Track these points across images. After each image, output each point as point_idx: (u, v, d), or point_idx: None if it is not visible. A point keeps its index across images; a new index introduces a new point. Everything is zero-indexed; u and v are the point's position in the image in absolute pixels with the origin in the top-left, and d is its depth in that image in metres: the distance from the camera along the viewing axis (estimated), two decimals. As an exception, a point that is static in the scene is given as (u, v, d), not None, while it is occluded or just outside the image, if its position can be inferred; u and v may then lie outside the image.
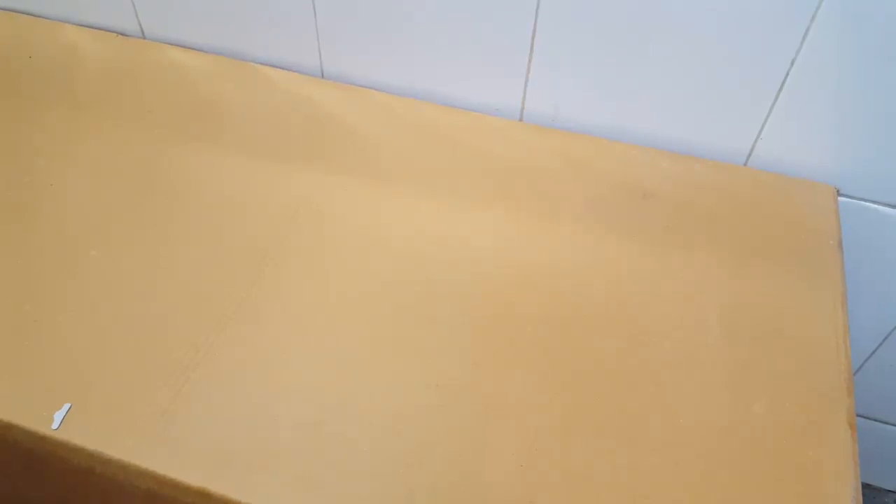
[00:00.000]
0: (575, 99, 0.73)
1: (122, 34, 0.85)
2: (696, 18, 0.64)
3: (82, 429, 0.51)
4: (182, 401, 0.52)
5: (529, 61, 0.72)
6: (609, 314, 0.59)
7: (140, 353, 0.55)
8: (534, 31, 0.69)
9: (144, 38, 0.85)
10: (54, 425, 0.51)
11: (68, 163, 0.70)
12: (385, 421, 0.52)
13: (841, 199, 0.71)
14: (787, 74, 0.65)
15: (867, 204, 0.71)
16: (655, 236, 0.65)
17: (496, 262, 0.62)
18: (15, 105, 0.76)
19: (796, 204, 0.68)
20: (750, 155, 0.72)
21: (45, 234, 0.63)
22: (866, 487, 1.04)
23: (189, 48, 0.83)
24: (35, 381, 0.53)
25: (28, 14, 0.87)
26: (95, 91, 0.77)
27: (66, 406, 0.52)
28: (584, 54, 0.69)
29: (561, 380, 0.55)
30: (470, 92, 0.76)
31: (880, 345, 0.83)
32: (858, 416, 0.93)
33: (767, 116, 0.68)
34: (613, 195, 0.68)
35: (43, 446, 0.51)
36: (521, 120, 0.77)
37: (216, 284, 0.60)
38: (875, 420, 0.93)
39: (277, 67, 0.81)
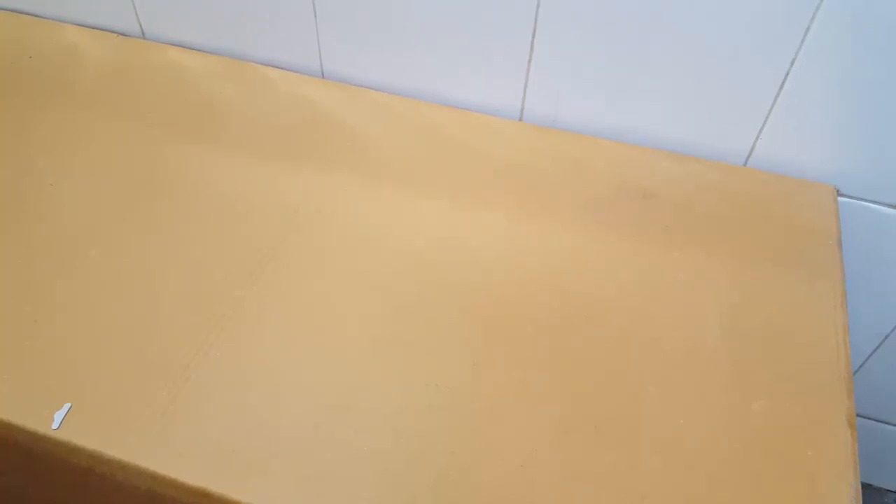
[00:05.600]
0: (575, 99, 0.73)
1: (122, 34, 0.85)
2: (695, 18, 0.64)
3: (82, 429, 0.51)
4: (182, 401, 0.52)
5: (529, 61, 0.72)
6: (609, 314, 0.59)
7: (140, 352, 0.55)
8: (534, 31, 0.69)
9: (144, 38, 0.85)
10: (54, 425, 0.51)
11: (68, 163, 0.70)
12: (385, 421, 0.52)
13: (841, 199, 0.71)
14: (787, 74, 0.65)
15: (867, 204, 0.71)
16: (655, 236, 0.65)
17: (496, 262, 0.62)
18: (15, 105, 0.76)
19: (796, 204, 0.68)
20: (750, 155, 0.72)
21: (45, 234, 0.63)
22: (866, 487, 1.04)
23: (189, 48, 0.83)
24: (35, 381, 0.53)
25: (28, 14, 0.87)
26: (95, 91, 0.77)
27: (67, 406, 0.52)
28: (584, 54, 0.69)
29: (561, 380, 0.55)
30: (470, 92, 0.76)
31: (880, 345, 0.83)
32: (858, 416, 0.93)
33: (767, 116, 0.68)
34: (613, 195, 0.68)
35: (43, 446, 0.51)
36: (521, 120, 0.77)
37: (216, 284, 0.60)
38: (875, 420, 0.93)
39: (277, 67, 0.81)
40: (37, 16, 0.87)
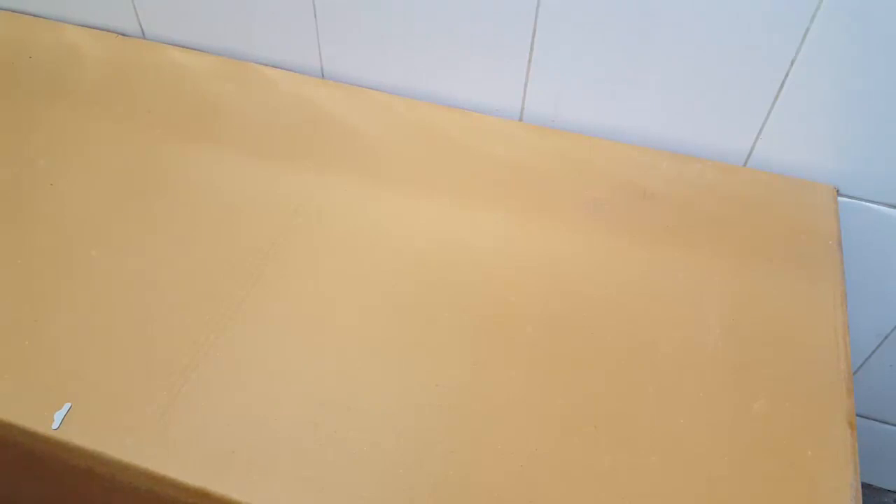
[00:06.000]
0: (575, 99, 0.73)
1: (122, 34, 0.85)
2: (696, 18, 0.64)
3: (82, 429, 0.51)
4: (182, 401, 0.52)
5: (529, 61, 0.72)
6: (609, 314, 0.59)
7: (140, 352, 0.55)
8: (534, 31, 0.69)
9: (144, 38, 0.85)
10: (54, 425, 0.51)
11: (68, 163, 0.70)
12: (385, 421, 0.52)
13: (841, 199, 0.71)
14: (787, 74, 0.65)
15: (867, 204, 0.71)
16: (655, 236, 0.65)
17: (496, 262, 0.62)
18: (15, 105, 0.76)
19: (796, 204, 0.68)
20: (750, 155, 0.72)
21: (45, 234, 0.63)
22: (866, 487, 1.04)
23: (189, 48, 0.83)
24: (35, 381, 0.53)
25: (28, 14, 0.87)
26: (95, 91, 0.77)
27: (67, 406, 0.52)
28: (584, 54, 0.69)
29: (561, 380, 0.55)
30: (470, 92, 0.76)
31: (880, 345, 0.83)
32: (858, 416, 0.93)
33: (767, 116, 0.68)
34: (613, 195, 0.68)
35: (43, 446, 0.51)
36: (521, 120, 0.77)
37: (216, 284, 0.60)
38: (875, 420, 0.93)
39: (277, 67, 0.81)
40: (37, 16, 0.87)
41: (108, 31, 0.85)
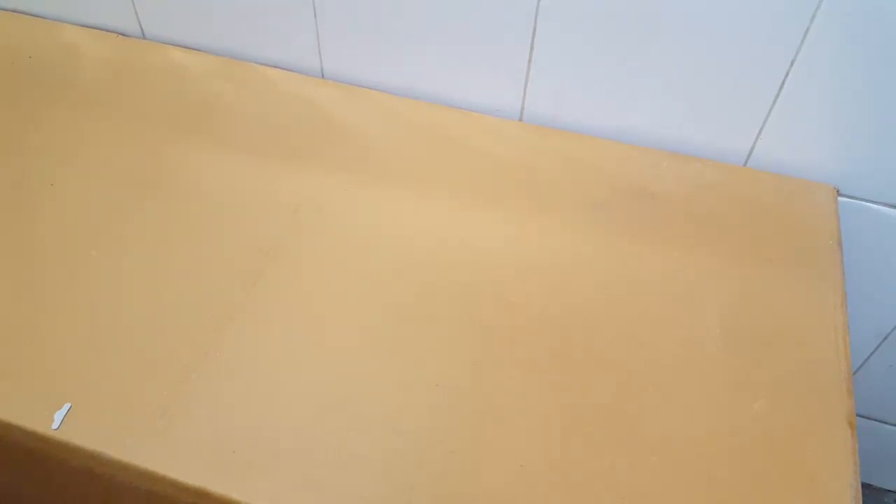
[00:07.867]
0: (575, 99, 0.73)
1: (122, 34, 0.85)
2: (696, 19, 0.64)
3: (82, 429, 0.51)
4: (182, 401, 0.52)
5: (529, 61, 0.72)
6: (609, 314, 0.59)
7: (140, 353, 0.55)
8: (534, 31, 0.69)
9: (144, 38, 0.85)
10: (54, 425, 0.51)
11: (68, 163, 0.70)
12: (385, 421, 0.52)
13: (841, 199, 0.71)
14: (787, 74, 0.65)
15: (867, 204, 0.71)
16: (656, 236, 0.65)
17: (496, 262, 0.62)
18: (15, 105, 0.76)
19: (796, 204, 0.68)
20: (750, 155, 0.72)
21: (45, 234, 0.63)
22: (866, 487, 1.04)
23: (189, 48, 0.83)
24: (35, 381, 0.53)
25: (28, 14, 0.87)
26: (95, 91, 0.77)
27: (67, 406, 0.52)
28: (584, 54, 0.69)
29: (561, 380, 0.55)
30: (470, 92, 0.76)
31: (880, 345, 0.83)
32: (858, 416, 0.93)
33: (767, 116, 0.68)
34: (613, 195, 0.68)
35: (43, 446, 0.51)
36: (521, 120, 0.77)
37: (216, 284, 0.60)
38: (875, 420, 0.93)
39: (277, 67, 0.81)
40: (37, 16, 0.87)
41: (108, 31, 0.85)
